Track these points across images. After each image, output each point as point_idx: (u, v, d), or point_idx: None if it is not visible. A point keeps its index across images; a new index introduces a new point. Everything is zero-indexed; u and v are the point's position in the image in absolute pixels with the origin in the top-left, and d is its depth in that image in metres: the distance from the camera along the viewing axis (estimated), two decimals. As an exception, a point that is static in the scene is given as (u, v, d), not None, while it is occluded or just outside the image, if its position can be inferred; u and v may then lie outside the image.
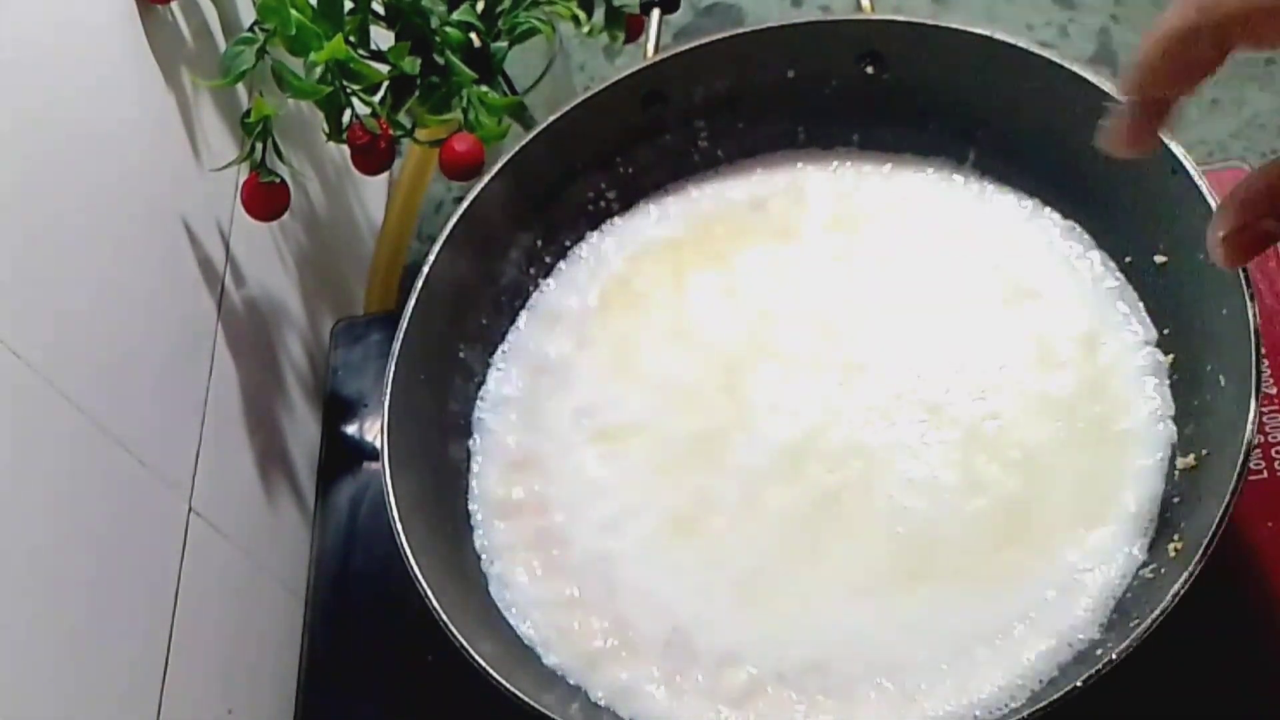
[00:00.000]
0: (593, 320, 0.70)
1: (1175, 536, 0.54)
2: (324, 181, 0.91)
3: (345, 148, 0.71)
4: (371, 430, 0.79)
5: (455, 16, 0.72)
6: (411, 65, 0.71)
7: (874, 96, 0.69)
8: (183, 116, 0.70)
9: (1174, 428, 0.58)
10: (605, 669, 0.59)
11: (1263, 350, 0.52)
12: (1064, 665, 0.54)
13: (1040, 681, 0.54)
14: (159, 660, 0.59)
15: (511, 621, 0.61)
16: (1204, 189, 0.56)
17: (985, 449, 0.60)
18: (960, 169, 0.69)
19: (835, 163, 0.71)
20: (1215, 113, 1.02)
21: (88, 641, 0.53)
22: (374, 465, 0.78)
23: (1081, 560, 0.56)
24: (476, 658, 0.54)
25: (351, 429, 0.80)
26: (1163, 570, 0.53)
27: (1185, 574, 0.48)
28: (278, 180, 0.69)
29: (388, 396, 0.62)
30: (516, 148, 0.69)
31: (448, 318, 0.67)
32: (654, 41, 0.72)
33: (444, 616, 0.55)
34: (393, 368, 0.63)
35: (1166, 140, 0.58)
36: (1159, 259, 0.60)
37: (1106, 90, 0.60)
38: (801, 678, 0.56)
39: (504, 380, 0.69)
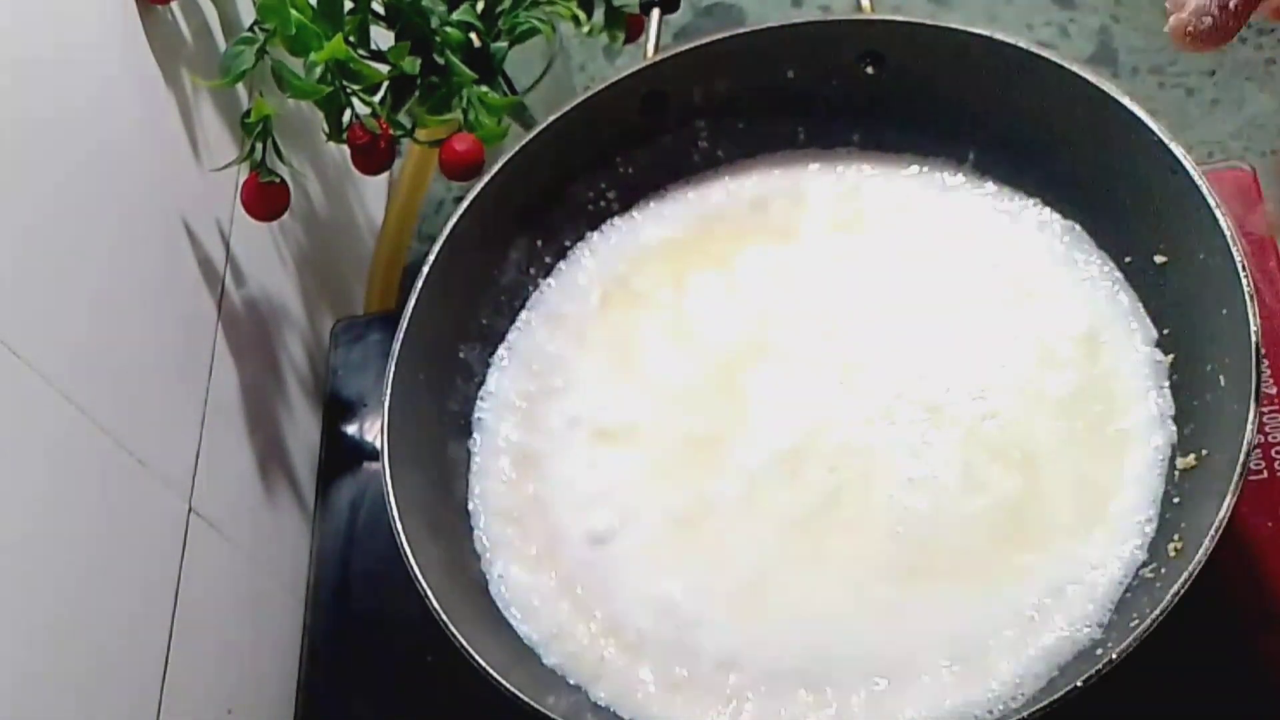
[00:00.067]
0: (593, 320, 0.70)
1: (1175, 536, 0.54)
2: (324, 181, 0.91)
3: (345, 148, 0.71)
4: (371, 430, 0.79)
5: (455, 16, 0.72)
6: (411, 65, 0.71)
7: (874, 96, 0.69)
8: (183, 116, 0.70)
9: (1174, 428, 0.58)
10: (605, 669, 0.59)
11: (1263, 350, 0.52)
12: (1064, 665, 0.54)
13: (1040, 681, 0.54)
14: (159, 660, 0.59)
15: (511, 621, 0.61)
16: (1204, 189, 0.56)
17: (985, 449, 0.60)
18: (960, 169, 0.69)
19: (835, 163, 0.71)
20: (1215, 113, 1.02)
21: (87, 641, 0.53)
22: (374, 465, 0.78)
23: (1081, 560, 0.56)
24: (476, 658, 0.54)
25: (351, 429, 0.80)
26: (1163, 570, 0.53)
27: (1185, 574, 0.48)
28: (278, 180, 0.69)
29: (388, 396, 0.62)
30: (516, 148, 0.69)
31: (448, 318, 0.67)
32: (654, 41, 0.72)
33: (444, 616, 0.55)
34: (393, 368, 0.63)
35: (1166, 140, 0.58)
36: (1159, 259, 0.60)
37: (1106, 90, 0.60)
38: (801, 678, 0.56)
39: (504, 380, 0.69)
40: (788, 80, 0.70)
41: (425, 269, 0.65)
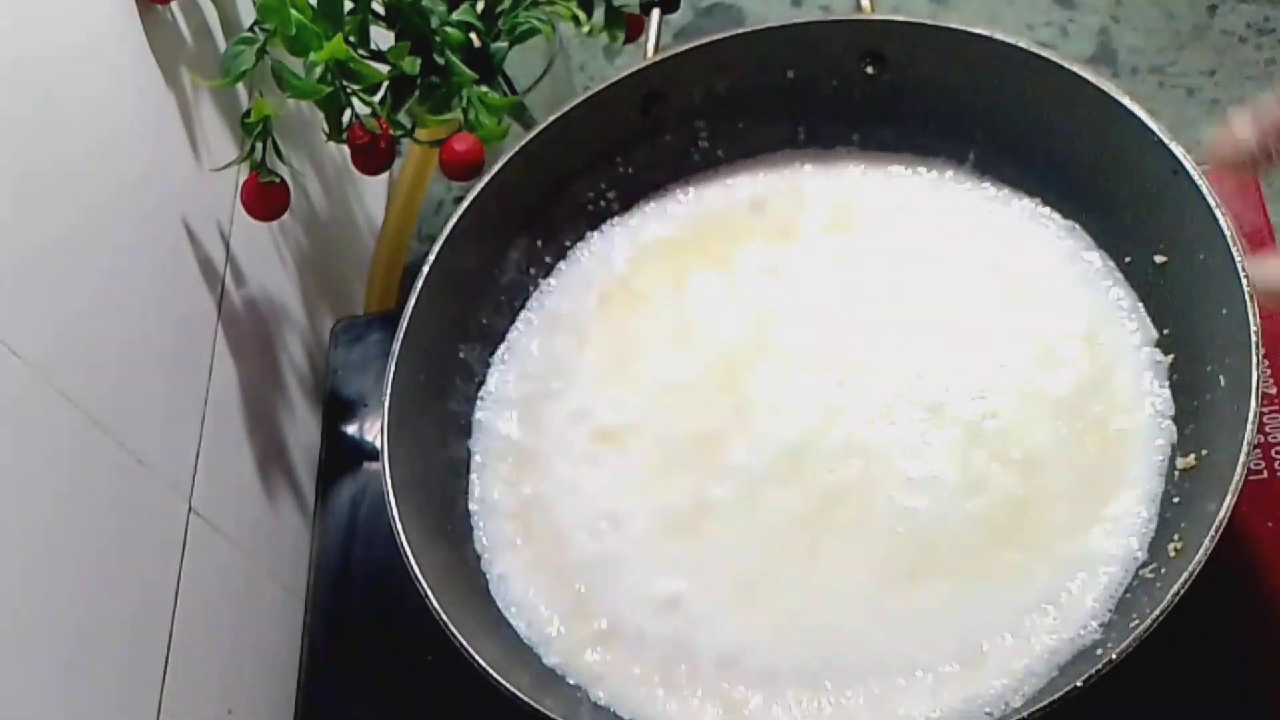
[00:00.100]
0: (593, 320, 0.70)
1: (1175, 536, 0.54)
2: (324, 181, 0.91)
3: (345, 148, 0.71)
4: (371, 430, 0.79)
5: (455, 16, 0.72)
6: (411, 65, 0.71)
7: (874, 96, 0.69)
8: (183, 116, 0.70)
9: (1174, 428, 0.58)
10: (605, 669, 0.59)
11: (1262, 350, 0.52)
12: (1064, 665, 0.54)
13: (1040, 681, 0.54)
14: (159, 660, 0.59)
15: (511, 621, 0.61)
16: (1204, 189, 0.56)
17: (985, 448, 0.60)
18: (960, 169, 0.69)
19: (835, 163, 0.71)
20: (1215, 113, 1.02)
21: (87, 641, 0.53)
22: (374, 465, 0.78)
23: (1081, 560, 0.56)
24: (476, 658, 0.54)
25: (351, 429, 0.80)
26: (1163, 570, 0.53)
27: (1185, 574, 0.48)
28: (278, 180, 0.69)
29: (388, 396, 0.62)
30: (516, 148, 0.69)
31: (448, 318, 0.67)
32: (654, 41, 0.72)
33: (444, 616, 0.55)
34: (393, 368, 0.63)
35: (1166, 140, 0.58)
36: (1159, 259, 0.60)
37: (1106, 90, 0.60)
38: (801, 677, 0.56)
39: (504, 380, 0.69)
40: (788, 80, 0.70)
41: (425, 269, 0.65)
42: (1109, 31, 1.08)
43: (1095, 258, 0.64)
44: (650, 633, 0.59)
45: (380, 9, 0.73)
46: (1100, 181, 0.63)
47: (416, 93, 0.73)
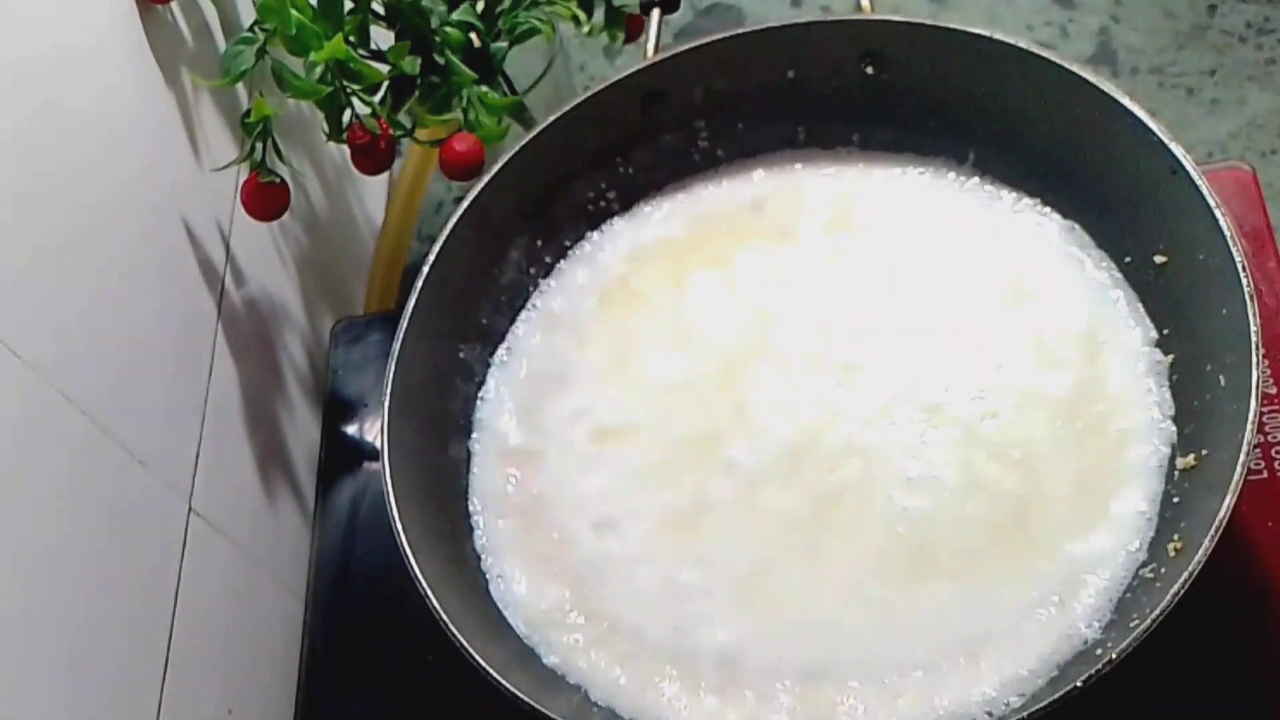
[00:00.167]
0: (592, 320, 0.70)
1: (1175, 536, 0.54)
2: (324, 181, 0.91)
3: (345, 148, 0.71)
4: (371, 430, 0.79)
5: (455, 16, 0.72)
6: (411, 65, 0.71)
7: (874, 96, 0.69)
8: (183, 117, 0.70)
9: (1174, 428, 0.58)
10: (605, 668, 0.59)
11: (1262, 350, 0.52)
12: (1064, 665, 0.54)
13: (1040, 681, 0.54)
14: (159, 660, 0.59)
15: (511, 621, 0.61)
16: (1204, 189, 0.56)
17: (984, 448, 0.60)
18: (960, 169, 0.69)
19: (835, 163, 0.71)
20: (1215, 113, 1.02)
21: (88, 641, 0.53)
22: (374, 465, 0.78)
23: (1081, 560, 0.56)
24: (476, 658, 0.54)
25: (351, 429, 0.80)
26: (1163, 570, 0.53)
27: (1185, 574, 0.48)
28: (278, 180, 0.69)
29: (388, 396, 0.62)
30: (517, 147, 0.69)
31: (448, 318, 0.67)
32: (654, 41, 0.72)
33: (444, 616, 0.55)
34: (393, 368, 0.63)
35: (1166, 140, 0.58)
36: (1159, 259, 0.61)
37: (1106, 90, 0.60)
38: (801, 677, 0.56)
39: (504, 380, 0.69)
40: (788, 80, 0.70)
41: (425, 269, 0.65)
42: (1109, 31, 1.08)
43: (1095, 258, 0.64)
44: (650, 632, 0.59)
45: (380, 9, 0.73)
46: (1100, 181, 0.63)
47: (416, 93, 0.73)
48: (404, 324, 0.64)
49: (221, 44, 0.75)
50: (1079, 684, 0.48)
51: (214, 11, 0.76)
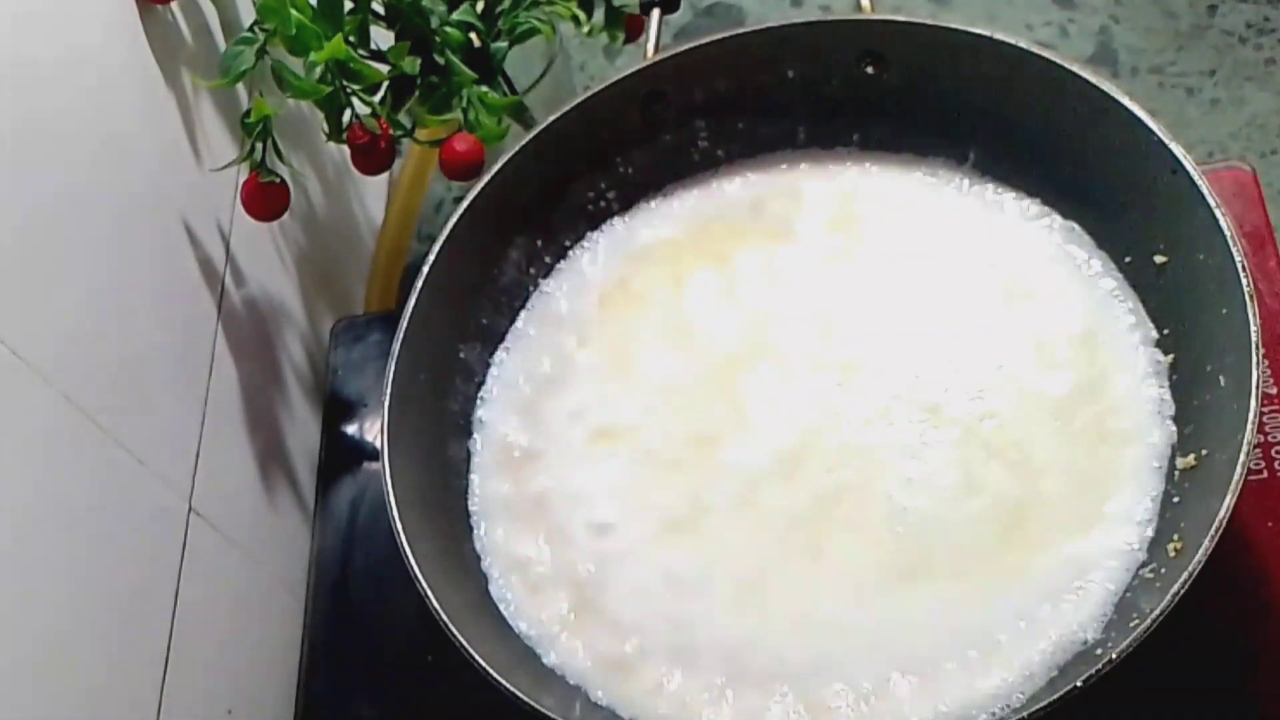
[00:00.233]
0: (592, 320, 0.70)
1: (1175, 536, 0.54)
2: (324, 181, 0.91)
3: (345, 148, 0.71)
4: (371, 430, 0.79)
5: (455, 16, 0.72)
6: (411, 65, 0.71)
7: (874, 96, 0.69)
8: (183, 116, 0.70)
9: (1174, 428, 0.58)
10: (604, 668, 0.59)
11: (1263, 350, 0.52)
12: (1064, 665, 0.54)
13: (1040, 681, 0.54)
14: (159, 660, 0.59)
15: (511, 621, 0.61)
16: (1204, 189, 0.56)
17: (984, 449, 0.60)
18: (960, 169, 0.69)
19: (834, 163, 0.71)
20: (1215, 113, 1.02)
21: (88, 641, 0.53)
22: (374, 465, 0.78)
23: (1081, 560, 0.56)
24: (476, 658, 0.54)
25: (351, 429, 0.80)
26: (1163, 570, 0.53)
27: (1185, 574, 0.48)
28: (278, 180, 0.69)
29: (388, 396, 0.62)
30: (517, 147, 0.69)
31: (448, 318, 0.67)
32: (654, 41, 0.72)
33: (444, 616, 0.55)
34: (393, 368, 0.63)
35: (1166, 140, 0.58)
36: (1159, 259, 0.61)
37: (1106, 90, 0.60)
38: (801, 677, 0.56)
39: (504, 380, 0.69)
40: (788, 80, 0.70)
41: (425, 269, 0.65)
42: (1109, 31, 1.08)
43: (1095, 258, 0.64)
44: (650, 632, 0.59)
45: (380, 9, 0.73)
46: (1100, 181, 0.63)
47: (416, 93, 0.73)
48: (404, 324, 0.64)
49: (221, 44, 0.75)
50: (1079, 684, 0.48)
51: (214, 11, 0.76)
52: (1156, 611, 0.48)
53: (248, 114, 0.68)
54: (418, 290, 0.65)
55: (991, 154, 0.68)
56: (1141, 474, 0.57)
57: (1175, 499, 0.56)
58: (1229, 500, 0.49)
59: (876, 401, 0.62)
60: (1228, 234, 0.55)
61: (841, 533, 0.59)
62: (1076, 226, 0.65)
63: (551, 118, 0.69)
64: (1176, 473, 0.56)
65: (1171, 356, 0.60)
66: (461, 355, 0.69)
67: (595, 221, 0.73)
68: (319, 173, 0.90)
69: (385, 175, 0.95)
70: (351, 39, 0.69)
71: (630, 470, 0.64)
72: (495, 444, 0.67)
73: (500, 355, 0.70)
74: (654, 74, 0.70)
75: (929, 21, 0.66)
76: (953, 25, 0.65)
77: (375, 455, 0.78)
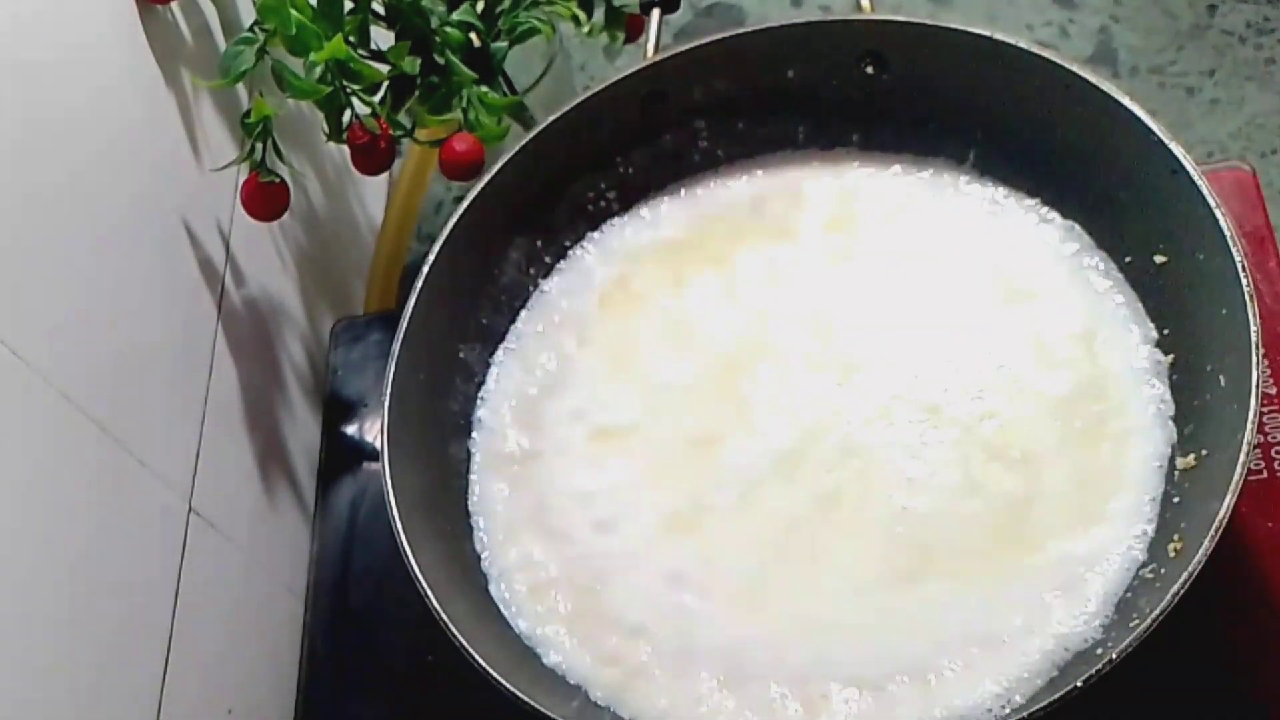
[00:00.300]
0: (592, 320, 0.70)
1: (1175, 536, 0.54)
2: (324, 181, 0.91)
3: (345, 148, 0.71)
4: (371, 430, 0.79)
5: (455, 16, 0.72)
6: (411, 65, 0.71)
7: (874, 96, 0.69)
8: (183, 117, 0.70)
9: (1174, 428, 0.58)
10: (604, 668, 0.59)
11: (1262, 350, 0.52)
12: (1064, 665, 0.54)
13: (1040, 681, 0.54)
14: (159, 660, 0.59)
15: (511, 621, 0.61)
16: (1204, 189, 0.56)
17: (984, 449, 0.60)
18: (960, 169, 0.69)
19: (835, 163, 0.71)
20: (1215, 113, 1.02)
21: (87, 641, 0.53)
22: (374, 465, 0.78)
23: (1081, 560, 0.56)
24: (476, 658, 0.54)
25: (351, 429, 0.80)
26: (1163, 570, 0.53)
27: (1185, 574, 0.48)
28: (278, 180, 0.69)
29: (388, 396, 0.62)
30: (516, 148, 0.69)
31: (448, 318, 0.67)
32: (654, 41, 0.72)
33: (444, 616, 0.55)
34: (393, 368, 0.63)
35: (1166, 140, 0.58)
36: (1159, 259, 0.61)
37: (1106, 90, 0.60)
38: (801, 677, 0.56)
39: (504, 380, 0.69)
40: (788, 80, 0.70)
41: (425, 269, 0.65)
42: (1109, 31, 1.08)
43: (1095, 258, 0.64)
44: (650, 632, 0.59)
45: (380, 9, 0.73)
46: (1100, 182, 0.63)
47: (416, 93, 0.73)
48: (404, 324, 0.64)
49: (221, 44, 0.75)
50: (1079, 684, 0.48)
51: (214, 11, 0.76)
52: (1156, 611, 0.48)
53: (248, 114, 0.68)
54: (418, 290, 0.65)
55: (991, 154, 0.68)
56: (1141, 474, 0.57)
57: (1175, 499, 0.56)
58: (1229, 500, 0.49)
59: (876, 401, 0.62)
60: (1228, 234, 0.55)
61: (841, 533, 0.59)
62: (1076, 226, 0.65)
63: (551, 118, 0.69)
64: (1176, 473, 0.56)
65: (1171, 356, 0.60)
66: (461, 355, 0.69)
67: (595, 221, 0.73)
68: (319, 173, 0.90)
69: (385, 175, 0.95)
70: (351, 39, 0.69)
71: (630, 470, 0.64)
72: (495, 444, 0.67)
73: (500, 355, 0.70)
74: (654, 74, 0.70)
75: (929, 21, 0.66)
76: (953, 25, 0.65)
77: (375, 455, 0.78)
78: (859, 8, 0.70)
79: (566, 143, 0.69)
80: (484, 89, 0.72)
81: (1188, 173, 0.57)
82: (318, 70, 0.67)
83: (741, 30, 0.69)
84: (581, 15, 0.78)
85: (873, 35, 0.68)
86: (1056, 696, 0.48)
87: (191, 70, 0.71)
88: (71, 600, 0.53)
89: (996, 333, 0.63)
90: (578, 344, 0.69)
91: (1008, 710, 0.53)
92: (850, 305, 0.66)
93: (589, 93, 0.69)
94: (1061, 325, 0.62)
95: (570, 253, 0.73)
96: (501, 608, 0.62)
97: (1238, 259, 0.54)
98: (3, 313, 0.51)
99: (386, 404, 0.62)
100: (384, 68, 0.71)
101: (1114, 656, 0.48)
